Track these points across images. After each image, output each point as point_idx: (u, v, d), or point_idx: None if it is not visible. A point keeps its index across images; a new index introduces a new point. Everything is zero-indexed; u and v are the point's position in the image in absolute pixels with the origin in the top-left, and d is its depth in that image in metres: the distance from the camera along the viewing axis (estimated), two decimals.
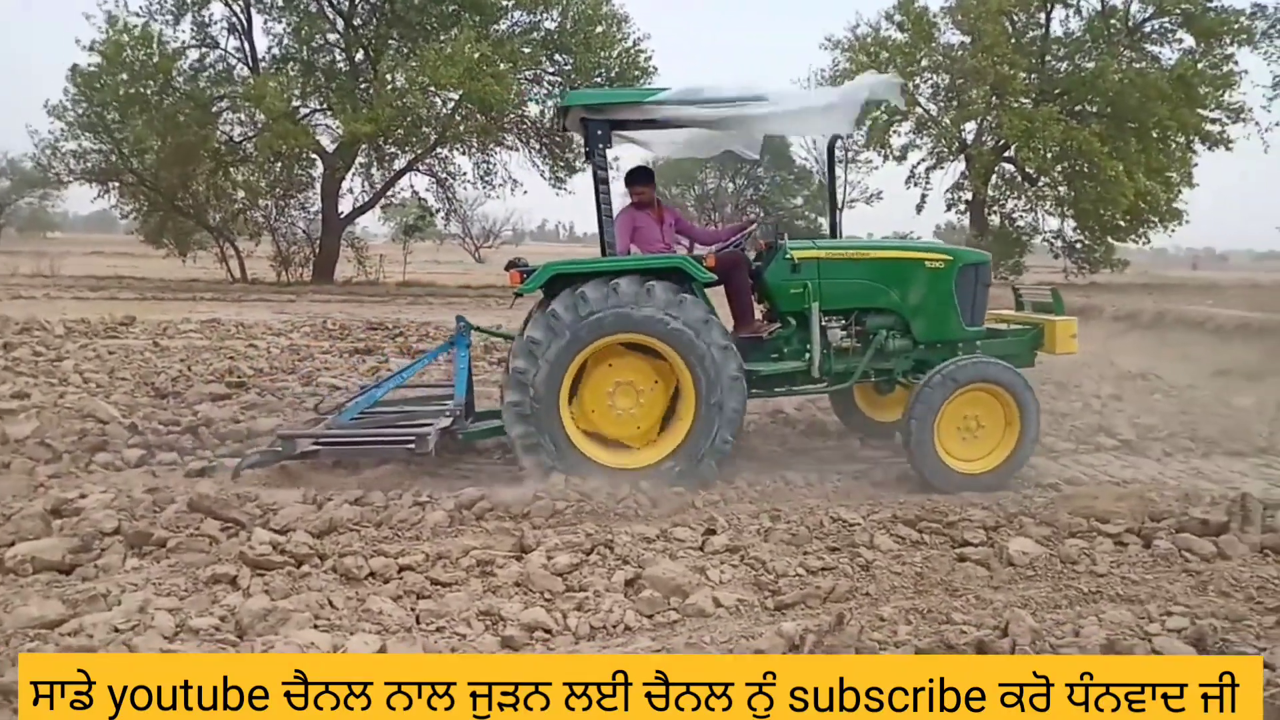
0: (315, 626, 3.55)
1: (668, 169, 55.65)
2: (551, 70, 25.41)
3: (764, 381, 6.21)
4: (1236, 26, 17.74)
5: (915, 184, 23.09)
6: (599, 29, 24.12)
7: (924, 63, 21.75)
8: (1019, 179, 22.70)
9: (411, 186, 27.69)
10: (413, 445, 5.62)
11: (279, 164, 24.64)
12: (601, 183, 6.02)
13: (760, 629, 3.59)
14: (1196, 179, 20.21)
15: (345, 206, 26.69)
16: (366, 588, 3.98)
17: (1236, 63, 18.54)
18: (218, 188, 25.18)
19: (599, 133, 5.96)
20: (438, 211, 28.23)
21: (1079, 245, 23.20)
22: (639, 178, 6.71)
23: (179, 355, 10.92)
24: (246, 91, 22.71)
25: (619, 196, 6.39)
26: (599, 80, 24.50)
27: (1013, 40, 20.19)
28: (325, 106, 24.84)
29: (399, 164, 26.28)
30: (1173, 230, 20.75)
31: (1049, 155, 20.03)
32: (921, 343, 6.44)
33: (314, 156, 25.27)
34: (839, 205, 7.05)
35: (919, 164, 22.79)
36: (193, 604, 3.73)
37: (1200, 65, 18.45)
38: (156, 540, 4.44)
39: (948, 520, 4.91)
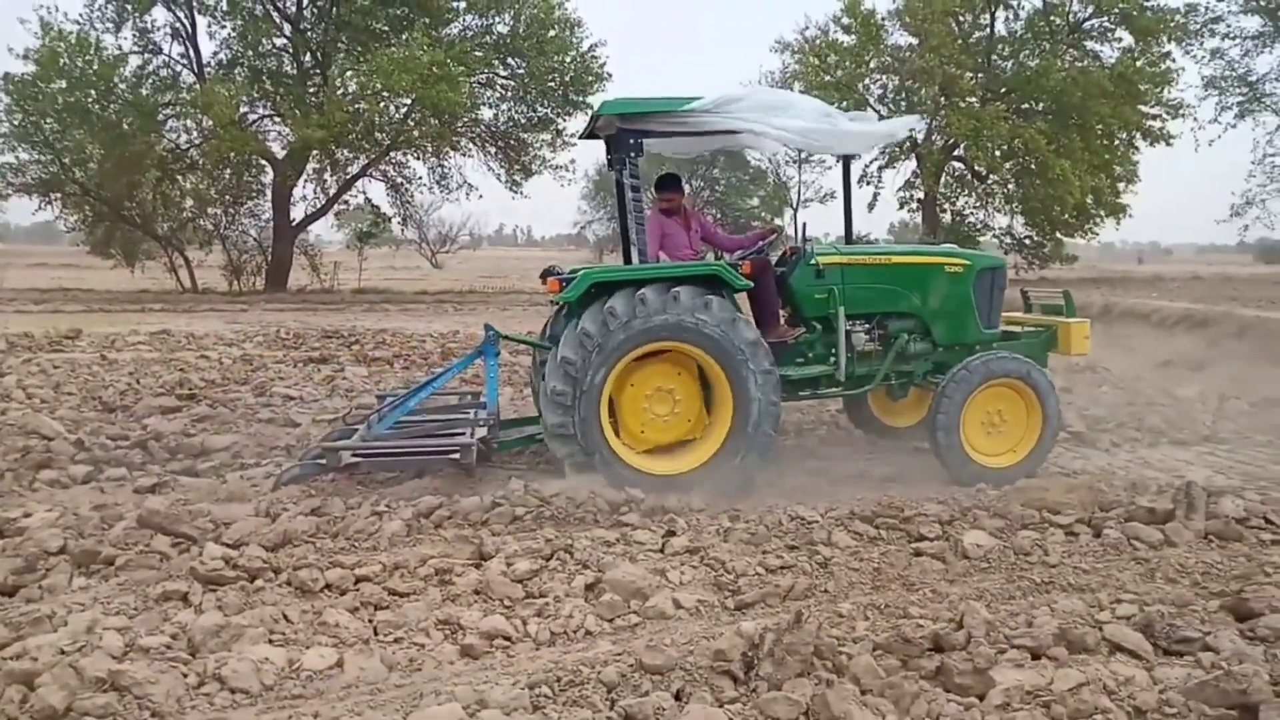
0: (270, 641, 3.49)
1: None
2: (504, 74, 25.31)
3: (790, 386, 6.23)
4: (1172, 25, 18.22)
5: (868, 183, 23.44)
6: (551, 33, 24.05)
7: (872, 64, 22.04)
8: (969, 177, 23.10)
9: (364, 192, 27.41)
10: (458, 456, 5.61)
11: (228, 171, 24.19)
12: (634, 190, 6.05)
13: (720, 629, 3.60)
14: (1140, 175, 20.72)
15: (298, 214, 26.33)
16: (323, 600, 3.92)
17: (1174, 60, 19.07)
18: (165, 196, 24.65)
19: (631, 141, 5.99)
20: (392, 217, 27.98)
21: (1028, 241, 23.71)
22: (668, 185, 6.79)
23: (127, 368, 10.66)
24: (194, 99, 22.27)
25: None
26: (552, 84, 24.45)
27: (959, 41, 20.54)
28: (274, 112, 24.46)
29: (352, 169, 25.96)
30: (1118, 224, 21.26)
31: (997, 153, 20.40)
32: (941, 345, 6.59)
33: (264, 163, 24.87)
34: (851, 216, 7.17)
35: (871, 163, 23.13)
36: (142, 622, 3.64)
37: (1139, 63, 18.93)
38: (104, 558, 4.33)
39: (904, 515, 4.96)
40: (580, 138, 6.77)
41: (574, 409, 5.55)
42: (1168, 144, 19.57)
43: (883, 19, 21.79)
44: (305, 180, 25.79)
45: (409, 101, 22.68)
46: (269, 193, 25.83)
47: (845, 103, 20.03)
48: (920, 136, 22.14)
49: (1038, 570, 4.28)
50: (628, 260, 6.40)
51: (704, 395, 5.95)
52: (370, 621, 3.73)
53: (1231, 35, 15.70)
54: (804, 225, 6.40)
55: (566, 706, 2.98)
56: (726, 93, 6.01)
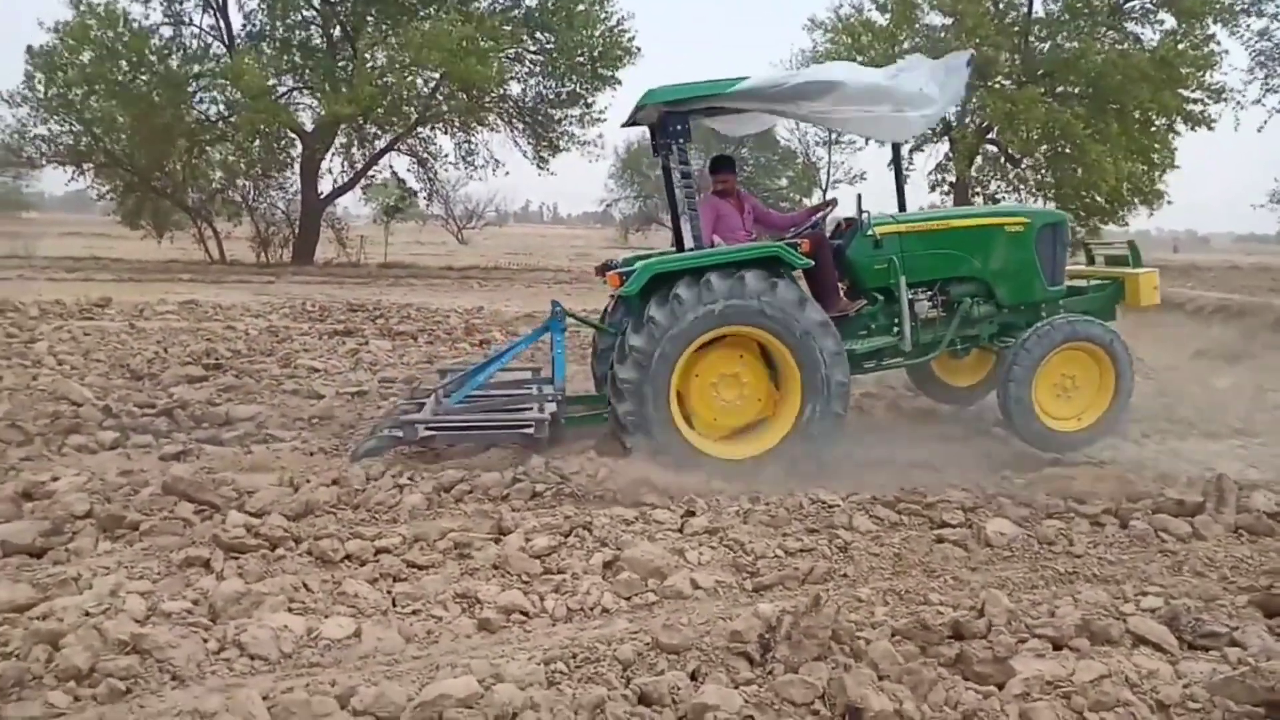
0: (289, 609, 3.52)
1: (651, 153, 55.52)
2: (533, 49, 25.17)
3: (855, 360, 6.14)
4: (1218, 6, 17.75)
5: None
6: (580, 7, 23.86)
7: (905, 45, 21.65)
8: (1002, 161, 22.74)
9: (391, 167, 27.44)
10: (531, 430, 5.66)
11: (257, 143, 24.30)
12: (685, 176, 5.98)
13: (738, 610, 3.59)
14: (1178, 161, 20.30)
15: (325, 187, 26.43)
16: (342, 570, 3.94)
17: (1218, 43, 18.60)
18: (194, 168, 24.82)
19: (679, 127, 5.92)
20: (418, 192, 28.00)
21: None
22: (722, 166, 6.75)
23: (155, 337, 10.79)
24: (224, 70, 22.35)
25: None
26: (581, 59, 24.29)
27: (994, 21, 20.13)
28: (303, 85, 24.50)
29: (379, 144, 26.00)
30: (1153, 211, 20.88)
31: (1032, 138, 20.05)
32: (1005, 307, 6.51)
33: (293, 136, 24.95)
34: (902, 185, 7.12)
35: (900, 145, 22.84)
36: (165, 587, 3.69)
37: (1181, 46, 18.46)
38: (129, 523, 4.39)
39: (926, 501, 4.92)
40: (622, 126, 6.73)
41: (644, 397, 5.54)
42: (1209, 128, 19.12)
43: None
44: (333, 154, 25.88)
45: (437, 76, 22.62)
46: (297, 165, 25.93)
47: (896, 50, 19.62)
48: (954, 119, 21.86)
49: (1062, 560, 4.22)
50: (679, 246, 6.37)
51: (770, 375, 5.90)
52: (389, 593, 3.76)
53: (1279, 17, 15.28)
54: (859, 196, 6.28)
55: (581, 683, 2.98)
56: (771, 76, 5.90)
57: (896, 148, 7.31)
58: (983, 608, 3.44)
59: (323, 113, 22.89)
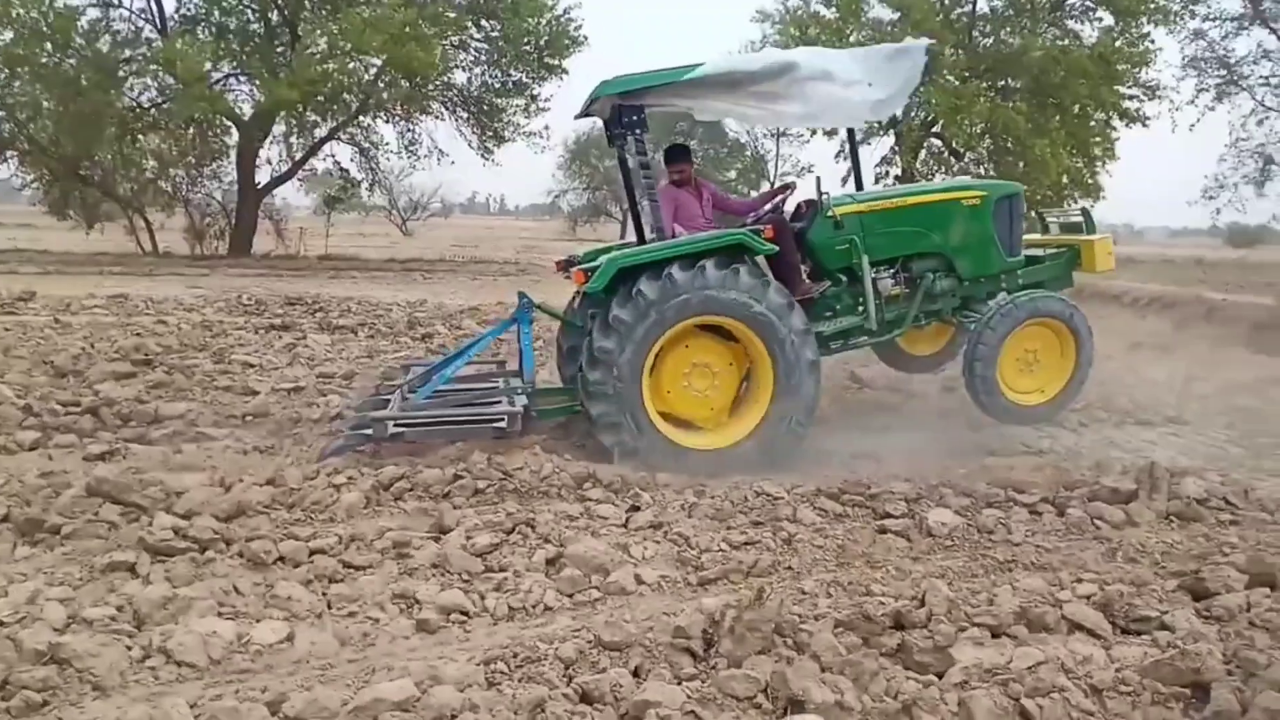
0: (219, 614, 3.41)
1: (602, 140, 55.25)
2: (478, 37, 24.81)
3: (822, 341, 6.15)
4: (1153, 6, 18.22)
5: (845, 158, 23.31)
6: None
7: (853, 39, 21.84)
8: (946, 154, 23.10)
9: (333, 156, 26.83)
10: (504, 424, 5.56)
11: (191, 131, 23.56)
12: (644, 167, 5.90)
13: (682, 605, 3.57)
14: (1116, 155, 20.81)
15: (263, 177, 25.75)
16: (275, 573, 3.83)
17: (1153, 41, 19.08)
18: (125, 156, 23.97)
19: (634, 118, 5.83)
20: (360, 183, 27.42)
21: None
22: (678, 156, 6.68)
23: (82, 332, 10.37)
24: (156, 55, 21.60)
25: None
26: (527, 48, 24.03)
27: (940, 16, 20.42)
28: (241, 72, 23.82)
29: (320, 133, 25.39)
30: (1092, 205, 21.40)
31: (975, 131, 20.39)
32: (966, 280, 6.59)
33: (228, 124, 24.25)
34: (859, 166, 7.33)
35: (846, 140, 23.05)
36: (87, 593, 3.53)
37: (1119, 43, 18.92)
38: (50, 527, 4.20)
39: (870, 492, 4.95)
40: (576, 117, 6.64)
41: (616, 396, 5.49)
42: (1144, 125, 19.65)
43: None
44: (271, 142, 25.22)
45: (379, 63, 22.17)
46: (233, 155, 25.21)
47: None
48: (900, 113, 22.09)
49: (1001, 549, 4.28)
50: (640, 238, 6.33)
51: (741, 361, 5.90)
52: (324, 595, 3.65)
53: (1212, 17, 15.72)
54: (818, 178, 6.32)
55: (522, 683, 2.93)
56: (725, 61, 5.84)
57: (851, 129, 7.33)
58: (924, 597, 3.46)
59: (261, 100, 22.26)
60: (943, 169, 21.67)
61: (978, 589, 3.73)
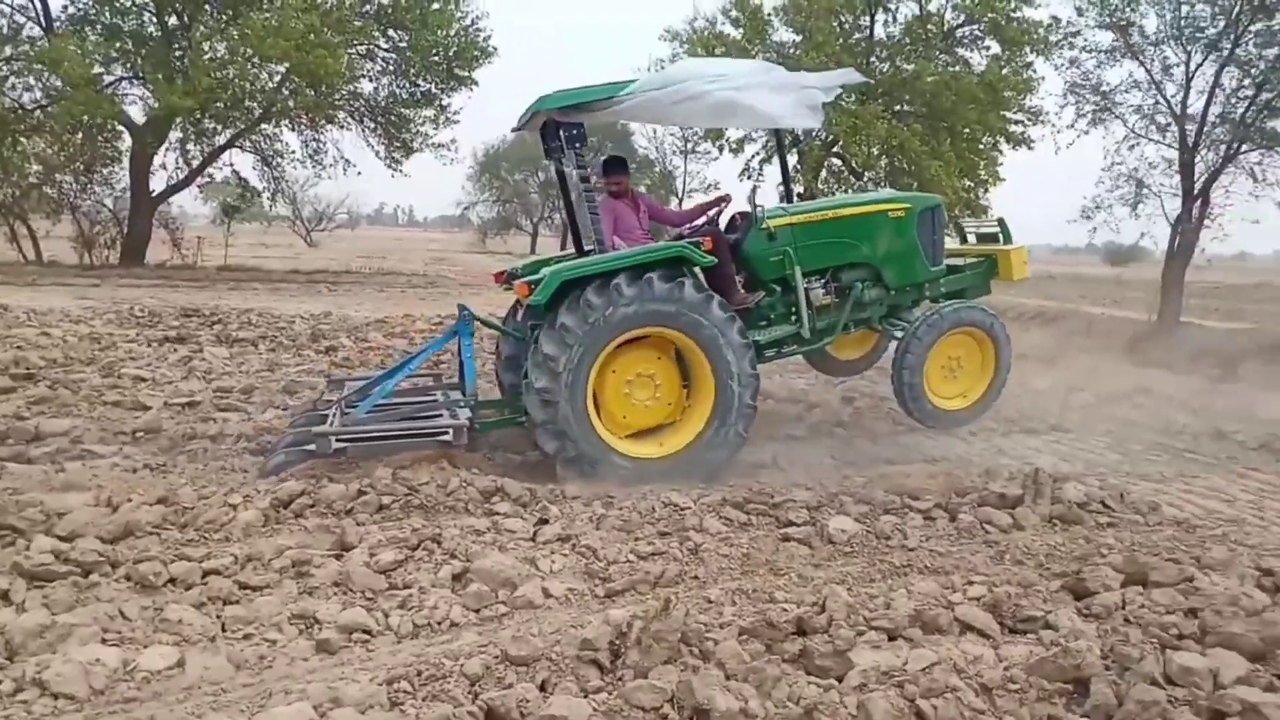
0: (103, 641, 3.25)
1: (512, 153, 54.94)
2: (385, 46, 24.41)
3: (759, 350, 6.25)
4: (1035, 37, 19.19)
5: (749, 176, 23.77)
6: (435, 5, 23.33)
7: (758, 59, 22.38)
8: (847, 173, 23.81)
9: (232, 165, 25.92)
10: (449, 437, 5.51)
11: (79, 136, 22.42)
12: (584, 180, 5.96)
13: (589, 617, 3.58)
14: (1003, 177, 21.81)
15: (158, 184, 24.67)
16: (165, 595, 3.67)
17: (1035, 70, 20.08)
18: (5, 160, 22.64)
19: (574, 131, 5.88)
20: (262, 192, 26.55)
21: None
22: (616, 168, 6.73)
23: None
24: (40, 54, 20.51)
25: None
26: (436, 59, 23.77)
27: (840, 40, 21.07)
28: (134, 75, 22.82)
29: (219, 140, 24.50)
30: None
31: (873, 152, 21.08)
32: (893, 288, 6.83)
33: (120, 129, 23.18)
34: (788, 177, 7.48)
35: (754, 157, 23.47)
36: None
37: (1005, 71, 19.86)
38: None
39: (773, 501, 5.06)
40: (513, 130, 6.66)
41: (560, 405, 5.53)
42: (1029, 148, 20.65)
43: (769, 14, 22.16)
44: (167, 149, 24.20)
45: (283, 70, 21.56)
46: (125, 161, 24.09)
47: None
48: (802, 134, 22.75)
49: (897, 554, 4.43)
50: (580, 250, 6.43)
51: (681, 373, 6.03)
52: (218, 617, 3.52)
53: (1087, 48, 16.70)
54: (753, 190, 6.58)
55: (426, 701, 2.89)
56: (661, 75, 5.96)
57: (780, 140, 7.51)
58: (824, 603, 3.56)
59: (155, 105, 21.34)
60: (843, 187, 22.32)
61: (875, 593, 3.85)
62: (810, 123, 6.16)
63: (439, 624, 3.58)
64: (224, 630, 3.43)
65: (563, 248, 52.68)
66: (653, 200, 7.09)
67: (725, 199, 7.10)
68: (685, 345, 5.82)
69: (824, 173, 21.64)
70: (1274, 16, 14.30)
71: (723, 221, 6.92)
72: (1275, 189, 15.10)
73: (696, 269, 6.02)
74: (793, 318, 6.50)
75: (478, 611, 3.71)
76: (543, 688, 2.99)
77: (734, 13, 22.38)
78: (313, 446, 5.39)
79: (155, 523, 4.39)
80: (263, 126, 24.31)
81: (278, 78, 22.48)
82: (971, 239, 7.84)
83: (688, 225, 6.86)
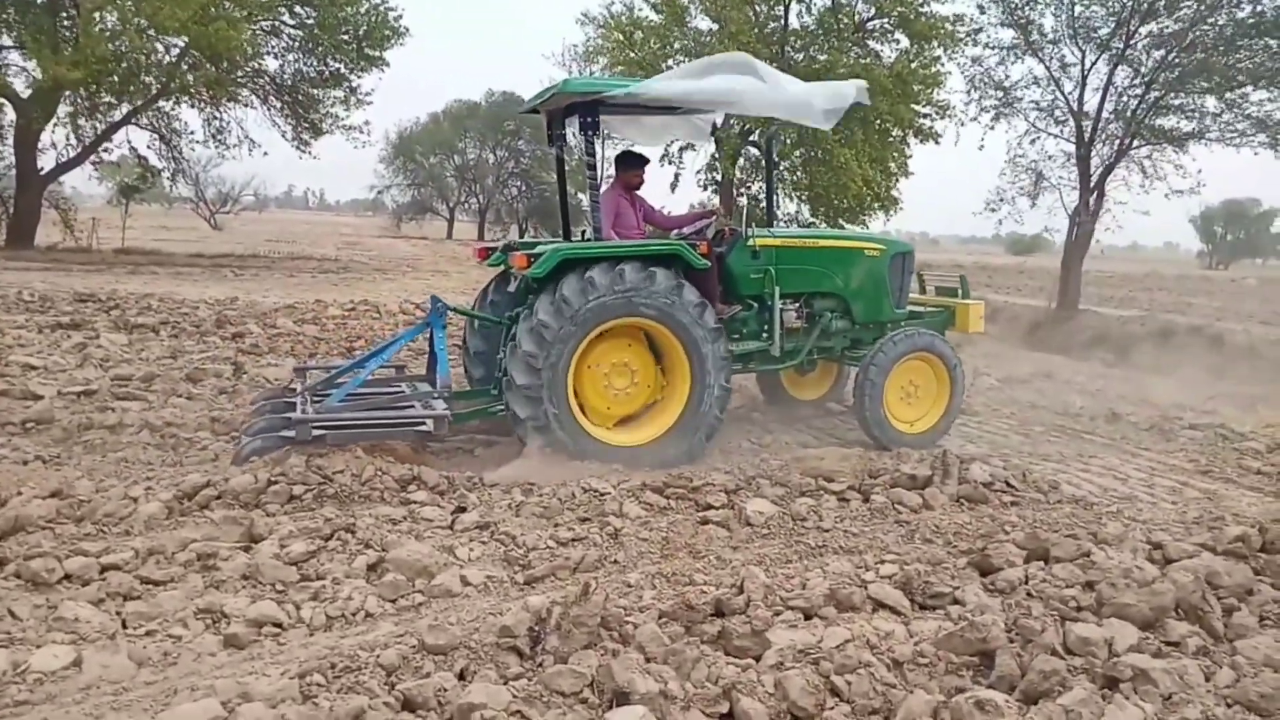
0: None
1: (426, 136, 53.86)
2: (292, 23, 23.60)
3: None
4: (943, 31, 19.75)
5: (670, 163, 23.85)
6: None
7: (676, 45, 22.41)
8: (762, 161, 24.07)
9: (129, 142, 24.74)
10: (429, 427, 5.49)
11: None
12: (590, 168, 6.04)
13: (508, 604, 3.55)
14: (912, 169, 22.41)
15: (47, 162, 23.35)
16: (60, 593, 3.49)
17: (943, 64, 20.67)
18: None
19: (589, 119, 5.94)
20: (161, 171, 25.40)
21: (813, 226, 25.01)
22: (636, 163, 6.87)
23: None
24: None
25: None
26: (345, 38, 23.11)
27: (755, 29, 21.27)
28: (16, 44, 21.49)
29: (114, 116, 23.31)
30: (889, 216, 22.95)
31: (788, 142, 21.40)
32: (858, 323, 7.04)
33: (2, 102, 21.83)
34: (773, 198, 7.62)
35: (673, 144, 23.56)
36: None
37: (914, 65, 20.38)
38: None
39: (693, 485, 5.10)
40: (521, 112, 6.65)
41: (543, 372, 5.58)
42: (936, 142, 21.26)
43: (686, 1, 22.20)
44: (56, 124, 22.90)
45: (181, 44, 20.63)
46: (9, 136, 22.71)
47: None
48: (720, 121, 22.81)
49: (813, 535, 4.52)
50: (567, 235, 6.58)
51: (657, 365, 6.15)
52: (118, 614, 3.37)
53: (990, 45, 17.29)
54: (744, 208, 6.70)
55: (340, 694, 2.81)
56: (673, 71, 6.12)
57: (770, 152, 7.60)
58: (742, 584, 3.61)
59: (40, 77, 20.14)
60: (760, 176, 22.58)
61: (792, 574, 3.93)
62: (826, 124, 6.30)
63: (353, 615, 3.51)
64: (124, 627, 3.28)
65: (480, 235, 52.10)
66: (647, 202, 7.16)
67: (715, 212, 7.39)
68: (669, 341, 5.94)
69: (741, 160, 21.81)
70: (1160, 19, 15.05)
71: (709, 233, 7.09)
72: (1164, 182, 15.97)
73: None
74: (764, 334, 6.70)
75: (394, 601, 3.64)
76: (461, 676, 2.95)
77: None
78: (292, 433, 5.29)
79: (48, 517, 4.17)
80: (161, 103, 23.22)
81: (176, 51, 21.51)
82: (931, 290, 8.13)
83: (676, 231, 7.05)
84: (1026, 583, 3.81)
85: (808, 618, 3.51)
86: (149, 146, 25.12)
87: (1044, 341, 14.19)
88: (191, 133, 24.82)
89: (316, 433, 5.31)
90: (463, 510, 4.63)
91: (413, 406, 5.94)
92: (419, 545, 4.06)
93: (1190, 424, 7.91)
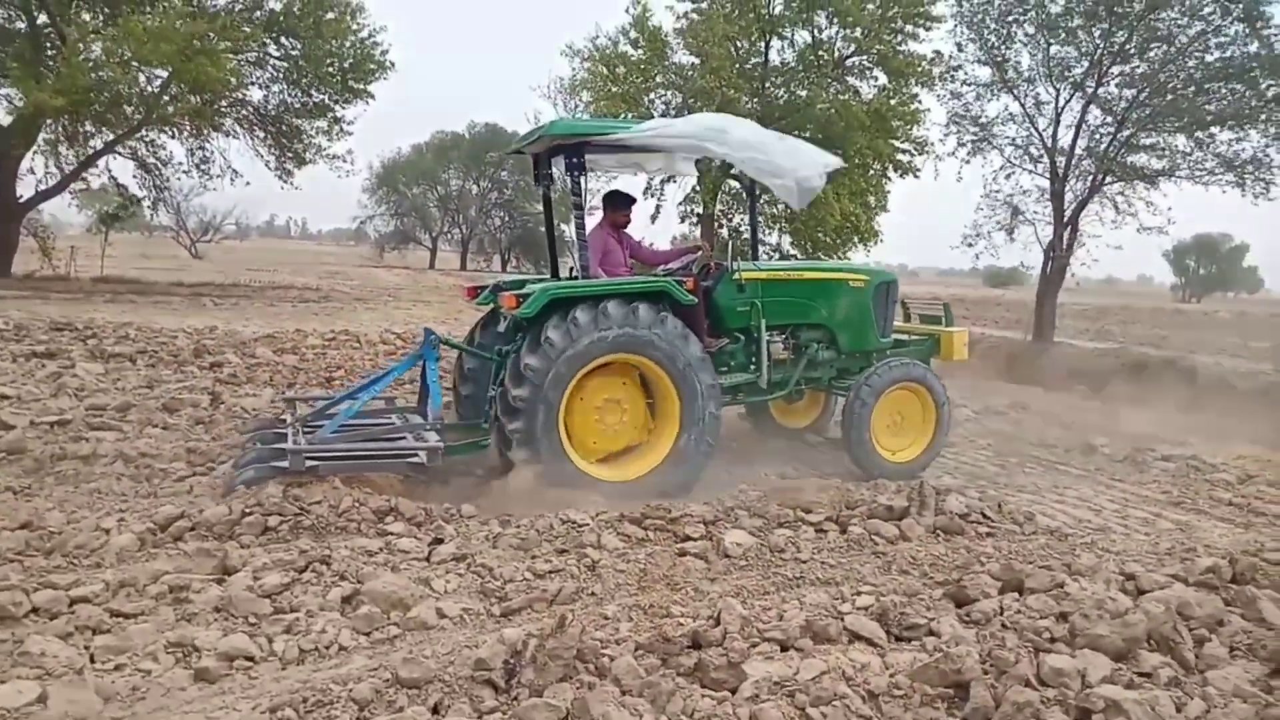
0: None
1: (410, 166, 54.05)
2: (277, 55, 23.69)
3: None
4: (920, 70, 20.12)
5: (651, 195, 24.04)
6: (330, 15, 22.79)
7: (658, 79, 22.69)
8: (744, 195, 24.28)
9: (110, 171, 24.61)
10: (423, 459, 5.50)
11: None
12: (577, 207, 6.10)
13: (484, 637, 3.52)
14: (890, 205, 22.70)
15: (26, 189, 23.20)
16: (26, 627, 3.45)
17: (920, 101, 21.04)
18: None
19: (575, 160, 6.04)
20: (142, 200, 25.28)
21: (794, 259, 25.24)
22: (623, 203, 6.96)
23: None
24: None
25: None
26: (330, 70, 23.23)
27: (736, 66, 21.58)
28: (0, 72, 21.43)
29: (95, 144, 23.23)
30: (869, 249, 23.21)
31: None
32: (845, 353, 7.13)
33: None
34: (756, 234, 7.79)
35: (654, 176, 23.77)
36: None
37: (893, 101, 20.73)
38: None
39: (671, 517, 5.10)
40: (507, 153, 6.78)
41: (535, 414, 5.61)
42: (915, 176, 21.57)
43: (668, 36, 22.51)
44: (36, 152, 22.79)
45: (164, 75, 20.65)
46: None
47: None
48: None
49: (790, 566, 4.53)
50: (554, 271, 6.81)
51: (647, 403, 6.20)
52: (86, 648, 3.32)
53: (968, 82, 17.66)
54: (730, 244, 6.76)
55: None
56: (661, 119, 6.11)
57: (753, 186, 7.74)
58: (719, 616, 3.61)
59: (21, 104, 20.07)
60: (740, 209, 22.80)
61: (769, 605, 3.93)
62: (799, 202, 6.30)
63: (327, 648, 3.47)
64: (92, 661, 3.24)
65: (462, 266, 52.11)
66: (634, 239, 7.27)
67: (700, 247, 7.50)
68: (658, 376, 6.00)
69: (721, 194, 22.03)
70: (1131, 61, 15.40)
71: (695, 268, 7.18)
72: (1135, 218, 16.24)
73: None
74: (751, 367, 6.78)
75: (368, 634, 3.61)
76: (435, 710, 2.93)
77: (634, 33, 22.65)
78: (285, 463, 5.28)
79: (17, 549, 4.13)
80: (143, 132, 23.18)
81: (159, 82, 21.53)
82: (915, 319, 8.25)
83: (664, 266, 7.12)
84: (1001, 614, 3.83)
85: (784, 649, 3.50)
86: (131, 176, 25.06)
87: (1020, 373, 14.32)
88: (178, 163, 24.75)
89: (310, 463, 5.31)
90: (440, 542, 4.61)
91: (404, 438, 5.96)
92: (395, 577, 4.03)
93: (1163, 455, 7.99)
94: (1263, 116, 14.32)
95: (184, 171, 24.81)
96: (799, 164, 6.16)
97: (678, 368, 5.94)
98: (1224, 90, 14.57)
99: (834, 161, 6.50)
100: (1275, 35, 13.87)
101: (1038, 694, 3.05)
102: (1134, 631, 3.46)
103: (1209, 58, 14.60)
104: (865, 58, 21.32)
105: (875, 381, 6.70)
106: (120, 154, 23.86)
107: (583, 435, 6.02)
